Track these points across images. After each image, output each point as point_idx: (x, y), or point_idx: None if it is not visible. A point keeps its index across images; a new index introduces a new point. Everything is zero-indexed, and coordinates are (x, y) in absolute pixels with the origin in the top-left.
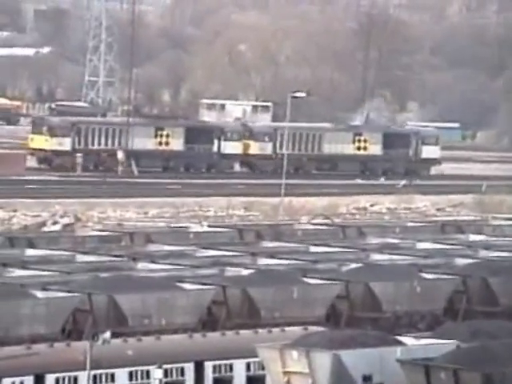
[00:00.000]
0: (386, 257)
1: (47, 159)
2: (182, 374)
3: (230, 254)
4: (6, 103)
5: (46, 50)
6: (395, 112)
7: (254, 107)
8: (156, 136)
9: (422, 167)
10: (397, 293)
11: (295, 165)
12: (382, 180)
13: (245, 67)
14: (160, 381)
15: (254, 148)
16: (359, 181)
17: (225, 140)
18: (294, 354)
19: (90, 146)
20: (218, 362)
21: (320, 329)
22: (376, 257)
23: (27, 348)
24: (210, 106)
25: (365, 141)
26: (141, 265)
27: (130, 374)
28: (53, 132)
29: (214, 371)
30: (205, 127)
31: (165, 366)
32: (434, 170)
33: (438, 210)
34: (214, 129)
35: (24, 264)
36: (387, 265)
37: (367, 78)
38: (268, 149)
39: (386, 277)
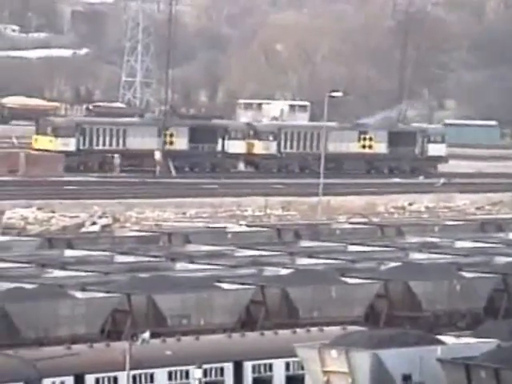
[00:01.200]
0: (425, 255)
1: None
2: (222, 373)
3: (269, 253)
4: (44, 105)
5: (83, 51)
6: (432, 110)
7: (292, 107)
8: (160, 136)
9: (429, 165)
10: (436, 292)
11: (300, 164)
12: (421, 178)
13: (281, 66)
14: (199, 381)
15: (258, 147)
16: (397, 179)
17: (229, 139)
18: (334, 353)
19: (94, 147)
20: (257, 362)
21: (359, 328)
22: (415, 256)
23: (67, 348)
24: (247, 106)
25: (370, 139)
26: (179, 265)
27: (170, 374)
28: (57, 132)
29: (253, 371)
30: (209, 126)
31: (204, 366)
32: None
33: (478, 208)
34: (218, 128)
35: (63, 265)
36: (426, 264)
37: (404, 77)
38: (272, 148)
39: (426, 276)
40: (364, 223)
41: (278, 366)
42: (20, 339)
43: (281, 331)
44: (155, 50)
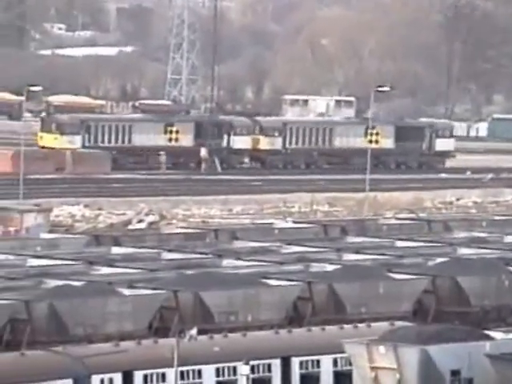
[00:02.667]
0: (473, 251)
1: None
2: (269, 370)
3: (315, 249)
4: (90, 103)
5: (128, 48)
6: (480, 105)
7: (338, 102)
8: (166, 132)
9: (436, 160)
10: (485, 287)
11: (305, 160)
12: (469, 174)
13: (328, 62)
14: (247, 377)
15: (264, 143)
16: (443, 175)
17: (234, 135)
18: (382, 349)
19: (99, 144)
20: (304, 358)
21: (407, 324)
22: (463, 251)
23: (115, 345)
24: (293, 102)
25: (377, 134)
26: (226, 261)
27: (217, 370)
28: (62, 130)
29: (300, 367)
30: (214, 122)
31: (251, 363)
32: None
33: None
34: (224, 124)
35: (110, 262)
36: (475, 259)
37: (452, 71)
38: (277, 144)
39: (474, 271)
40: (411, 218)
41: (326, 362)
42: (68, 336)
43: (328, 327)
44: (201, 47)
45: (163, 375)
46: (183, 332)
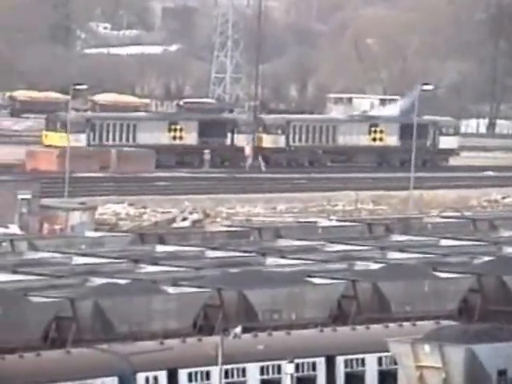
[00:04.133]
0: None
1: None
2: (314, 368)
3: (359, 248)
4: (135, 101)
5: (173, 47)
6: None
7: (382, 101)
8: (170, 130)
9: (440, 158)
10: None
11: (309, 157)
12: (489, 173)
13: (372, 61)
14: (291, 376)
15: (267, 141)
16: (490, 173)
17: (238, 133)
18: (427, 348)
19: (104, 142)
20: (349, 357)
21: (452, 323)
22: (509, 249)
23: (160, 343)
24: (337, 101)
25: (381, 132)
26: (270, 260)
27: (262, 368)
28: (67, 128)
29: (345, 366)
30: (218, 120)
31: (296, 361)
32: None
33: None
34: (227, 122)
35: (155, 260)
36: None
37: (497, 69)
38: (281, 141)
39: None
40: (456, 217)
41: (371, 360)
42: (113, 334)
43: (373, 326)
44: (245, 46)
45: (207, 373)
46: (227, 330)
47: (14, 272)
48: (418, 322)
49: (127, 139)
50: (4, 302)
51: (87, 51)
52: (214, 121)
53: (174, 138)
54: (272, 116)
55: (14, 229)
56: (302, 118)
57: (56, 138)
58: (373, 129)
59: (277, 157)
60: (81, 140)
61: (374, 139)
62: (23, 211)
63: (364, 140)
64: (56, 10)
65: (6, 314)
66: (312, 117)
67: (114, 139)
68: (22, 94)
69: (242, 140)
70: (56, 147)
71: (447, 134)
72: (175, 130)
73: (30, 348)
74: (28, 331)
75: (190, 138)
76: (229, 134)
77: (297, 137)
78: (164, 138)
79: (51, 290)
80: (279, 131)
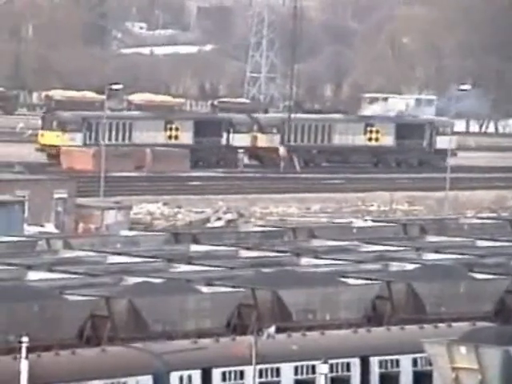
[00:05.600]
0: None
1: (58, 155)
2: (348, 369)
3: (394, 248)
4: (170, 101)
5: (208, 47)
6: None
7: (418, 100)
8: (166, 130)
9: (437, 158)
10: None
11: (304, 157)
12: None
13: (408, 60)
14: (325, 376)
15: (262, 140)
16: None
17: (234, 132)
18: (463, 349)
19: (100, 141)
20: (383, 358)
21: (488, 324)
22: None
23: (194, 342)
24: (372, 100)
25: (377, 132)
26: (304, 260)
27: (296, 368)
28: (64, 127)
29: (380, 366)
30: (214, 120)
31: (330, 361)
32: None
33: None
34: (223, 121)
35: (189, 259)
36: None
37: None
38: (276, 141)
39: None
40: (493, 218)
41: (405, 361)
42: (148, 333)
43: (408, 327)
44: (280, 45)
45: (241, 373)
46: (261, 330)
47: (50, 270)
48: (454, 324)
49: (123, 138)
50: (40, 301)
51: (123, 51)
52: (209, 120)
53: (170, 137)
54: (267, 115)
55: (49, 228)
56: (298, 118)
57: (52, 137)
58: (368, 129)
59: (271, 156)
60: (77, 139)
61: (370, 139)
62: (59, 210)
63: (360, 140)
64: (92, 11)
65: (42, 312)
66: (307, 116)
67: (109, 138)
68: (58, 94)
69: (237, 140)
70: (52, 146)
71: (444, 134)
72: (171, 129)
73: (66, 346)
74: (63, 329)
75: (186, 137)
76: (224, 134)
77: (292, 136)
78: (160, 138)
79: (87, 288)
80: (274, 130)
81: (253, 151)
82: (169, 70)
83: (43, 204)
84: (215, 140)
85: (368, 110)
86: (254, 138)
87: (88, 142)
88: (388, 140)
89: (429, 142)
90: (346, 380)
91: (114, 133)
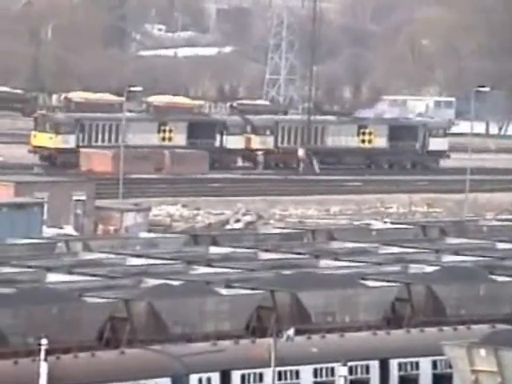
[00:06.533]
0: None
1: (51, 157)
2: (367, 371)
3: (414, 250)
4: (189, 103)
5: (227, 49)
6: None
7: (437, 102)
8: (159, 131)
9: (430, 160)
10: None
11: (297, 159)
12: None
13: (428, 62)
14: (345, 378)
15: (255, 142)
16: None
17: (227, 134)
18: (482, 352)
19: (93, 143)
20: (403, 360)
21: (508, 327)
22: None
23: (213, 344)
24: (392, 102)
25: (370, 133)
26: (323, 262)
27: (315, 371)
28: (57, 129)
29: (399, 369)
30: (207, 122)
31: (349, 364)
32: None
33: None
34: (217, 123)
35: (208, 261)
36: None
37: None
38: (269, 143)
39: None
40: None
41: (425, 364)
42: (167, 335)
43: (427, 329)
44: (299, 47)
45: (260, 375)
46: (280, 332)
47: (70, 273)
48: (474, 326)
49: (116, 140)
50: (59, 303)
51: (142, 53)
52: (203, 122)
53: (164, 139)
54: (261, 116)
55: (69, 230)
56: (291, 119)
57: (45, 139)
58: (361, 130)
59: (265, 158)
60: (70, 141)
61: (363, 141)
62: (78, 212)
63: (353, 141)
64: (112, 13)
65: (62, 314)
66: (301, 118)
67: (102, 140)
68: (77, 96)
69: (231, 142)
70: (44, 148)
71: (437, 136)
72: (164, 131)
73: (85, 348)
74: (83, 331)
75: (179, 139)
76: (218, 136)
77: (286, 138)
78: (153, 139)
79: (106, 290)
80: (268, 132)
81: (246, 153)
82: (188, 72)
83: (62, 206)
84: (209, 142)
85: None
86: (248, 140)
87: (81, 144)
88: (381, 142)
89: (422, 143)
90: (366, 382)
91: (106, 134)
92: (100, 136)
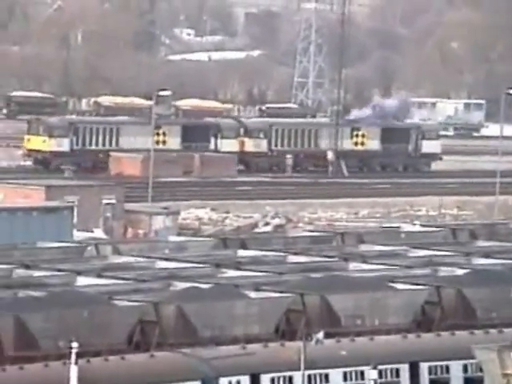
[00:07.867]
0: None
1: (45, 161)
2: (397, 375)
3: (443, 253)
4: (218, 106)
5: (256, 52)
6: None
7: (466, 105)
8: (153, 134)
9: (422, 162)
10: None
11: (292, 162)
12: None
13: (457, 65)
14: (375, 382)
15: (249, 145)
16: None
17: (222, 138)
18: None
19: (87, 147)
20: (433, 364)
21: None
22: None
23: (242, 348)
24: (421, 105)
25: (363, 136)
26: (352, 265)
27: (345, 374)
28: (51, 132)
29: (429, 372)
30: (201, 125)
31: (379, 367)
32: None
33: None
34: (211, 126)
35: (237, 265)
36: None
37: None
38: (263, 146)
39: None
40: None
41: (456, 367)
42: (196, 338)
43: (458, 332)
44: (328, 50)
45: (290, 378)
46: (310, 335)
47: (99, 276)
48: (505, 329)
49: (110, 143)
50: (89, 306)
51: (171, 57)
52: (197, 125)
53: (158, 142)
54: (254, 119)
55: (98, 233)
56: (285, 122)
57: (39, 142)
58: (354, 133)
59: (258, 161)
60: (63, 145)
61: (356, 143)
62: (108, 216)
63: (346, 144)
64: (141, 17)
65: (92, 317)
66: (294, 121)
67: (96, 144)
68: (106, 100)
69: (226, 145)
70: (38, 151)
71: (430, 139)
72: (158, 134)
73: (115, 351)
74: (113, 335)
75: (174, 142)
76: (212, 139)
77: (279, 141)
78: (148, 143)
79: (135, 294)
80: (261, 135)
81: (240, 156)
82: (217, 76)
83: (92, 210)
84: (203, 145)
85: (416, 115)
86: (241, 143)
87: (75, 148)
88: (374, 144)
89: (414, 146)
90: None
91: (100, 137)
92: (94, 139)
